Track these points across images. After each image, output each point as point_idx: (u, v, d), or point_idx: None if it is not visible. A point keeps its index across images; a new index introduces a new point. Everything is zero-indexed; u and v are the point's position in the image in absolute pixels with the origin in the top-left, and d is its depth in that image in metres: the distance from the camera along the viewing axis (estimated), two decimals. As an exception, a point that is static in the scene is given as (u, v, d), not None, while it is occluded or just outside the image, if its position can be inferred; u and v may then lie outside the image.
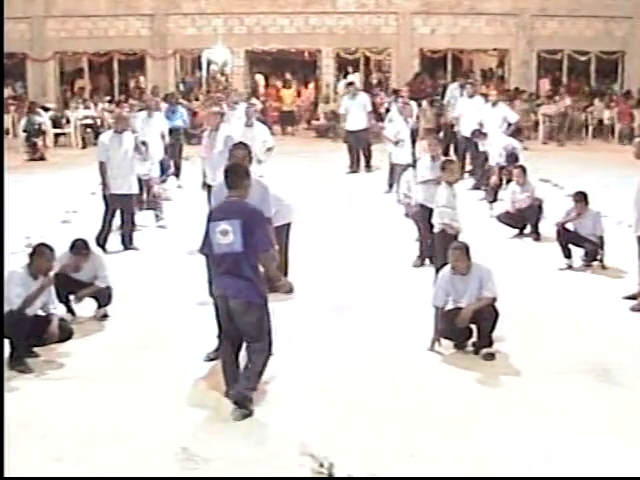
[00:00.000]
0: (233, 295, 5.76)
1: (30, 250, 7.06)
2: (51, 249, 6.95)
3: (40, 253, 6.87)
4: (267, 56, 26.13)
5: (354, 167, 17.03)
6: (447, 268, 7.20)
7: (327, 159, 18.04)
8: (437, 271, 7.83)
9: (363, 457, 5.14)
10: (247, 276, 5.76)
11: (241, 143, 7.12)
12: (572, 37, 24.72)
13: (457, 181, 8.76)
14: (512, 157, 12.50)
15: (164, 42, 24.87)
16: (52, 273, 6.94)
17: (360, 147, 17.05)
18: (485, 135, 13.86)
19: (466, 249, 7.08)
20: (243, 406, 5.75)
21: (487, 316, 6.88)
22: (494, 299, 6.95)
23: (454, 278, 7.08)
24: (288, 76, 25.06)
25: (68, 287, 7.69)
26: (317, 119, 24.09)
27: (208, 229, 5.90)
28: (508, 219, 11.22)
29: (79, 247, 7.76)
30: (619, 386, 6.28)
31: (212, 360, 6.67)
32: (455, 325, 6.95)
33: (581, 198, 9.75)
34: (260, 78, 25.59)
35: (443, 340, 7.05)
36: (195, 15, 24.73)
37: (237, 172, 6.08)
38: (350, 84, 19.18)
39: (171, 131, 14.77)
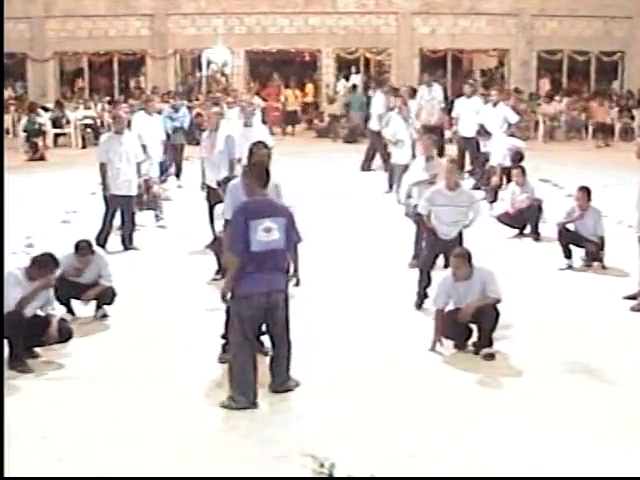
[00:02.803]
0: (277, 289, 5.94)
1: (33, 256, 6.93)
2: (55, 261, 6.84)
3: (43, 264, 6.77)
4: (267, 56, 26.11)
5: (367, 165, 16.71)
6: (449, 271, 7.18)
7: (327, 159, 18.03)
8: None
9: (363, 457, 5.14)
10: (285, 271, 6.06)
11: (261, 142, 7.08)
12: (572, 37, 24.72)
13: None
14: (517, 157, 12.48)
15: (164, 42, 24.86)
16: (52, 276, 6.88)
17: (380, 146, 16.36)
18: (489, 134, 13.83)
19: (467, 256, 7.03)
20: (288, 390, 6.11)
21: (488, 316, 6.86)
22: (498, 300, 6.94)
23: (456, 283, 7.04)
24: (288, 77, 25.02)
25: (71, 292, 7.68)
26: (321, 120, 24.01)
27: (247, 227, 5.77)
28: (508, 219, 11.21)
29: (84, 248, 7.73)
30: (619, 386, 6.28)
31: (224, 363, 6.37)
32: (456, 324, 6.95)
33: (584, 193, 9.71)
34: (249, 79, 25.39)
35: (444, 340, 7.04)
36: (195, 15, 24.72)
37: (268, 172, 6.16)
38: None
39: (174, 130, 14.78)
